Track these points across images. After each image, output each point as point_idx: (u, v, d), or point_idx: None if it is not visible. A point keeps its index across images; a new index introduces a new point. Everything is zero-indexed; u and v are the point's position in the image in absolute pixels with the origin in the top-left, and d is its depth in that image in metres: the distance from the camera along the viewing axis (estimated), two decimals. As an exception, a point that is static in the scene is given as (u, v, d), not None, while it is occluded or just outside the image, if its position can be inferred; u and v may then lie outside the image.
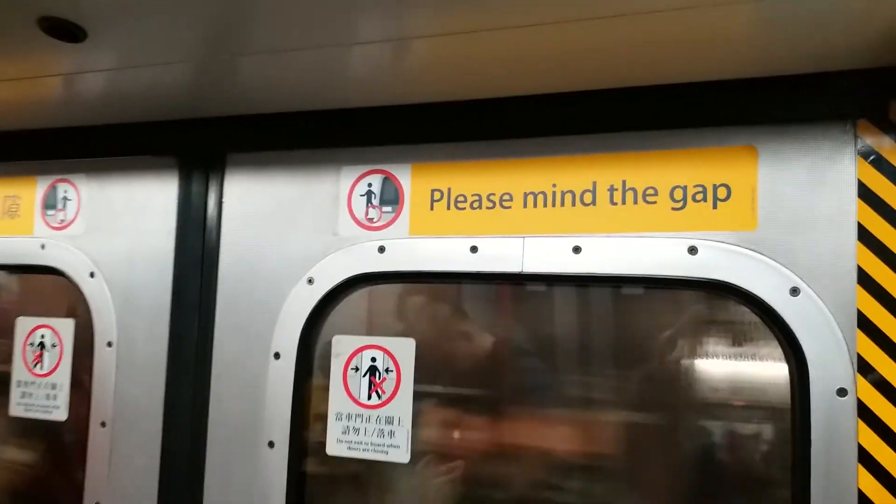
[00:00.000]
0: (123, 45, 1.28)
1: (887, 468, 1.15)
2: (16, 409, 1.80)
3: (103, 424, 1.67)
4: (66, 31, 1.22)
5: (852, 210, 1.21)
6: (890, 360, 1.17)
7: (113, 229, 1.74)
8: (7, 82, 1.47)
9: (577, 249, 1.36)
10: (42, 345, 1.79)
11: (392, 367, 1.50)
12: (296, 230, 1.58)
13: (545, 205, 1.40)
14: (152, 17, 1.17)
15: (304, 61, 1.29)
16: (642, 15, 1.08)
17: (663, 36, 1.14)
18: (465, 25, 1.13)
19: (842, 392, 1.18)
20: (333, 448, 1.52)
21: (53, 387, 1.77)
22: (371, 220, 1.53)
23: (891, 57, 1.15)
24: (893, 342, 1.16)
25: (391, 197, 1.53)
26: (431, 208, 1.50)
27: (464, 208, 1.47)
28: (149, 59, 1.34)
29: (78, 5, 1.14)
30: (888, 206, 1.18)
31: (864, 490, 1.16)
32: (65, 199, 1.79)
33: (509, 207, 1.43)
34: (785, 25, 1.08)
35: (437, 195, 1.49)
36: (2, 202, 1.85)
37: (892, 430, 1.16)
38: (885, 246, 1.18)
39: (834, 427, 1.18)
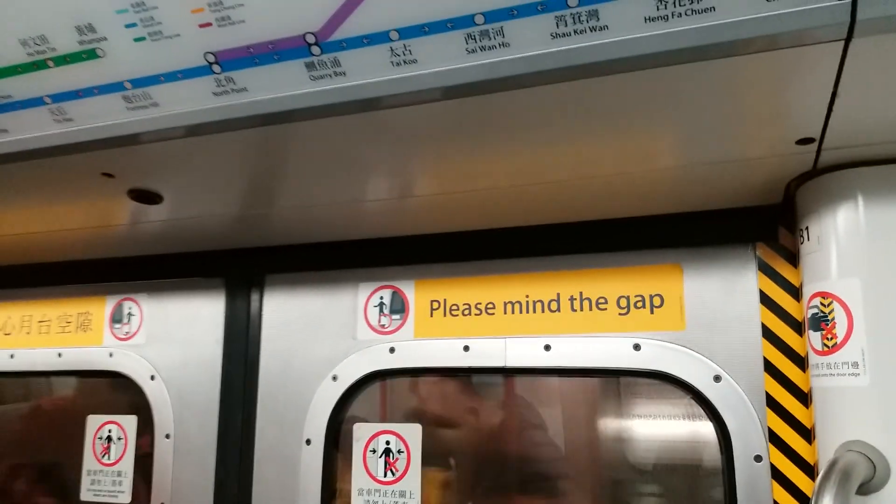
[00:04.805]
0: (188, 203, 1.63)
1: (797, 519, 1.45)
2: (85, 494, 2.11)
3: (162, 505, 1.97)
4: (149, 197, 1.56)
5: (756, 313, 1.53)
6: (793, 432, 1.47)
7: (170, 339, 2.06)
8: (91, 229, 1.83)
9: (547, 347, 1.67)
10: (109, 438, 2.11)
11: (403, 448, 1.81)
12: (322, 336, 1.90)
13: (521, 311, 1.73)
14: (212, 185, 1.51)
15: (326, 210, 1.65)
16: (595, 178, 1.41)
17: (610, 189, 1.46)
18: (455, 188, 1.48)
19: (758, 458, 1.48)
20: (356, 519, 1.82)
21: (119, 474, 2.08)
22: (383, 326, 1.87)
23: (776, 197, 1.49)
24: (794, 417, 1.47)
25: (399, 307, 1.86)
26: (431, 315, 1.82)
27: (457, 315, 1.79)
28: (204, 212, 1.68)
29: (161, 179, 1.48)
30: (783, 309, 1.50)
31: (780, 537, 1.45)
32: (129, 314, 2.12)
33: (493, 314, 1.76)
34: (699, 180, 1.40)
35: (435, 305, 1.82)
36: (76, 318, 2.19)
37: (799, 489, 1.44)
38: (782, 341, 1.49)
39: (753, 486, 1.47)
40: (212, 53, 1.07)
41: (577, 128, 1.20)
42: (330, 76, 1.06)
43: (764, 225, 1.54)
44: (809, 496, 1.41)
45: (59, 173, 1.43)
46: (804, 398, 1.46)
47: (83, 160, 1.33)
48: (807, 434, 1.45)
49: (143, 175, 1.45)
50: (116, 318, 2.14)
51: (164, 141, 1.24)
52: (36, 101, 1.19)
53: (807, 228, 1.36)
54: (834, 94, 1.05)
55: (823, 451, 1.32)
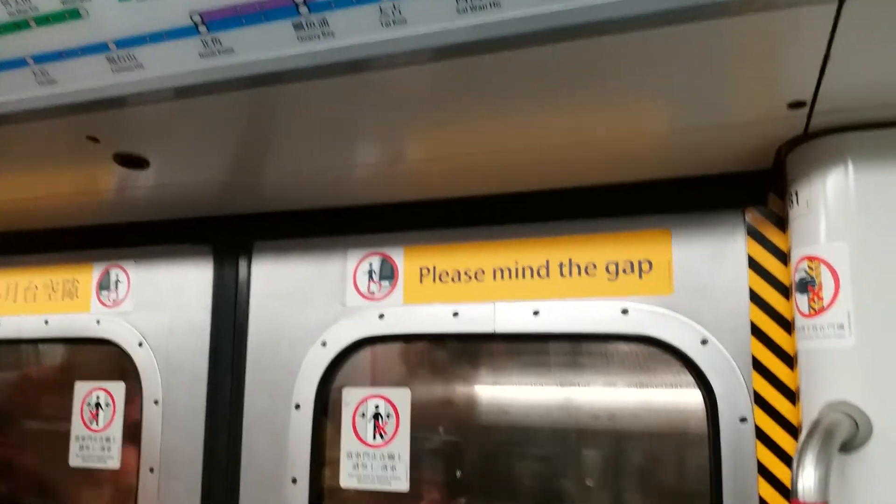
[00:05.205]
0: (175, 169, 1.61)
1: (780, 479, 1.46)
2: (74, 460, 2.12)
3: (151, 470, 1.97)
4: (135, 162, 1.54)
5: (744, 278, 1.53)
6: (778, 394, 1.49)
7: (158, 306, 2.05)
8: (77, 195, 1.82)
9: (536, 312, 1.68)
10: (98, 405, 2.11)
11: (392, 412, 1.82)
12: (311, 302, 1.90)
13: (510, 277, 1.73)
14: (199, 150, 1.50)
15: (315, 177, 1.64)
16: (584, 143, 1.40)
17: (600, 154, 1.46)
18: (444, 153, 1.48)
19: (743, 420, 1.50)
20: (346, 481, 1.82)
21: (108, 440, 2.08)
22: (372, 292, 1.87)
23: (766, 162, 1.50)
24: (780, 379, 1.49)
25: (388, 273, 1.86)
26: (421, 282, 1.82)
27: (446, 281, 1.79)
28: (192, 177, 1.66)
29: (147, 143, 1.46)
30: (771, 274, 1.51)
31: (763, 496, 1.46)
32: (117, 281, 2.10)
33: (482, 280, 1.76)
34: (689, 144, 1.40)
35: (425, 271, 1.82)
36: (63, 285, 2.17)
37: (782, 449, 1.46)
38: (770, 305, 1.50)
39: (738, 447, 1.49)
40: (198, 13, 1.05)
41: (568, 92, 1.19)
42: (318, 37, 1.05)
43: (753, 190, 1.54)
44: (793, 456, 1.43)
45: (44, 137, 1.41)
46: (790, 361, 1.48)
47: (67, 123, 1.31)
48: (791, 396, 1.47)
49: (128, 139, 1.43)
50: (104, 286, 2.12)
51: (149, 104, 1.22)
52: (18, 62, 1.17)
53: (796, 193, 1.36)
54: (826, 57, 1.05)
55: (807, 412, 1.34)
